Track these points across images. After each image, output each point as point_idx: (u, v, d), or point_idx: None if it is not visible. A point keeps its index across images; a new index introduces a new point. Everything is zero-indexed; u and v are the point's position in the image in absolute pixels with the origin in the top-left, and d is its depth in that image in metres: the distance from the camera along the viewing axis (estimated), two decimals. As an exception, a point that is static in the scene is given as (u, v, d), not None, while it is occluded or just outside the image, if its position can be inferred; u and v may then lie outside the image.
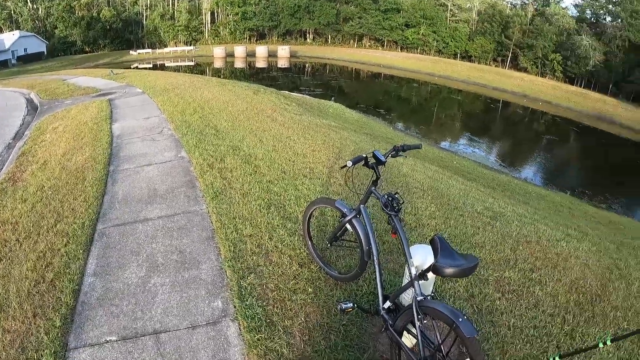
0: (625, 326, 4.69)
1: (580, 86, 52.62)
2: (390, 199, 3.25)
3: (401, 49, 58.81)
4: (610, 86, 51.34)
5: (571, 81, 53.74)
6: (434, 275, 3.11)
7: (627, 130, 40.44)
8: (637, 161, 30.20)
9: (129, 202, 6.08)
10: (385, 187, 6.90)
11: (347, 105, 21.42)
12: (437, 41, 56.67)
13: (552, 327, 4.38)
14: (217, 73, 40.29)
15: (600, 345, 1.34)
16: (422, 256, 3.33)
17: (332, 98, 23.15)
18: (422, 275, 2.90)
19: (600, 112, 43.25)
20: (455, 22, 57.80)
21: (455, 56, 57.81)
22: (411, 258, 3.04)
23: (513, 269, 5.09)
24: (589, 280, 5.33)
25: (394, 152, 3.62)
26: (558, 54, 52.77)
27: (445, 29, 56.64)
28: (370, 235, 3.53)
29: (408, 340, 3.22)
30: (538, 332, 4.28)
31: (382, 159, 3.49)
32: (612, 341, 1.37)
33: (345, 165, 3.52)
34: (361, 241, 3.61)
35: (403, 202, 3.40)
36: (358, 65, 47.87)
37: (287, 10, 58.43)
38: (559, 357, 2.90)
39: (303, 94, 24.15)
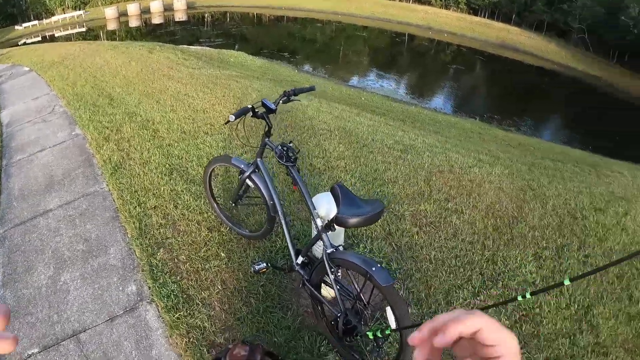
0: (544, 244, 4.78)
1: (484, 17, 54.01)
2: (284, 149, 3.10)
3: None
4: (514, 16, 53.13)
5: (475, 12, 54.68)
6: (344, 225, 2.95)
7: (531, 56, 42.80)
8: (540, 85, 32.14)
9: (27, 196, 5.50)
10: (290, 132, 6.58)
11: (250, 53, 20.79)
12: None
13: (472, 254, 4.36)
14: (111, 36, 37.09)
15: (520, 298, 0.96)
16: (326, 206, 3.20)
17: (236, 47, 22.09)
18: (329, 226, 2.73)
19: (504, 41, 45.09)
20: None
21: None
22: (315, 209, 2.95)
23: (428, 201, 5.01)
24: (505, 204, 5.39)
25: (285, 98, 3.39)
26: None
27: None
28: (271, 189, 3.37)
29: (327, 292, 3.12)
30: (460, 261, 4.25)
31: (272, 107, 3.27)
32: (532, 294, 0.98)
33: (228, 121, 3.18)
34: (264, 196, 3.45)
35: (299, 150, 3.23)
36: (260, 10, 46.01)
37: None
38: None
39: (203, 46, 23.08)
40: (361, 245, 4.23)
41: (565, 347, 3.55)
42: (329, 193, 2.87)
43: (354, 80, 21.02)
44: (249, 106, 3.26)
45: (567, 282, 0.96)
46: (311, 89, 3.58)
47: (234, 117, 3.12)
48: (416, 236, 4.47)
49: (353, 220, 2.47)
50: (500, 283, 4.10)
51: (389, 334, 2.55)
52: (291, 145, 3.13)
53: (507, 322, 3.71)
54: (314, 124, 7.14)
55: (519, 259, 4.46)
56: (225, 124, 3.31)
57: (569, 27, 48.77)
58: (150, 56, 12.69)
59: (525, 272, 4.33)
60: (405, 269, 4.03)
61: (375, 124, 8.23)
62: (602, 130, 23.41)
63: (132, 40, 23.69)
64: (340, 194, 2.61)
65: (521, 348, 3.52)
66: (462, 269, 4.14)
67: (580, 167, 8.90)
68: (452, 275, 4.06)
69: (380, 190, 5.15)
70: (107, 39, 32.54)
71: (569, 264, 4.70)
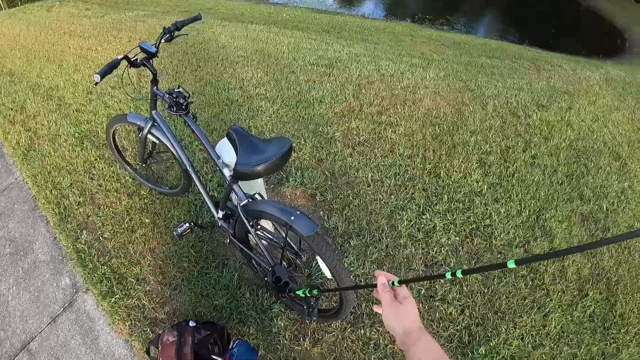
0: (488, 149, 4.54)
1: None
2: (173, 96, 2.76)
3: None
4: None
5: None
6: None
7: None
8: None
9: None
10: (204, 67, 5.93)
11: None
12: None
13: (413, 170, 4.06)
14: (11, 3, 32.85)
15: (449, 276, 0.73)
16: (231, 153, 2.76)
17: None
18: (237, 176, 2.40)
19: None
20: None
21: None
22: (219, 159, 2.62)
23: (359, 117, 4.62)
24: (443, 109, 5.09)
25: (167, 36, 2.87)
26: None
27: None
28: (173, 142, 2.98)
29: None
30: (400, 179, 3.94)
31: (152, 49, 2.76)
32: (463, 273, 0.97)
33: (96, 83, 2.61)
34: (170, 150, 3.10)
35: (189, 95, 2.82)
36: None
37: None
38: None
39: None
40: (290, 179, 3.83)
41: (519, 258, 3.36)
42: (232, 139, 2.46)
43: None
44: (119, 57, 2.70)
45: (511, 265, 0.84)
46: (196, 18, 3.10)
47: (99, 77, 2.56)
48: (350, 158, 4.10)
49: (255, 170, 2.22)
50: (446, 197, 3.84)
51: (319, 295, 2.40)
52: (180, 90, 2.79)
53: (457, 238, 3.49)
54: (228, 53, 6.51)
55: (463, 168, 4.21)
56: (95, 85, 2.74)
57: None
58: (49, 15, 11.53)
59: (471, 181, 4.10)
60: (342, 196, 3.70)
61: (297, 40, 7.64)
62: (537, 24, 23.73)
63: (31, 2, 21.13)
64: (238, 140, 2.37)
65: (475, 263, 3.36)
66: (403, 188, 3.85)
67: (519, 63, 8.75)
68: (392, 196, 3.76)
69: (306, 114, 4.71)
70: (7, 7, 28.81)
71: (516, 167, 4.52)
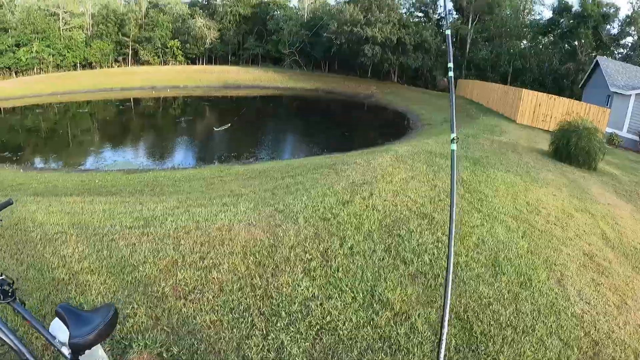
0: (309, 257, 4.98)
1: (203, 64, 58.98)
2: None
3: (16, 74, 51.83)
4: (230, 56, 60.16)
5: (193, 61, 59.50)
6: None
7: (252, 89, 47.63)
8: (267, 110, 34.95)
9: None
10: (23, 249, 5.59)
11: None
12: (53, 55, 52.43)
13: (246, 299, 4.31)
14: None
15: None
16: (65, 330, 2.67)
17: None
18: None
19: (226, 82, 49.34)
20: (70, 31, 54.29)
21: (75, 67, 54.99)
22: (55, 339, 2.54)
23: (184, 268, 4.82)
24: (259, 236, 5.53)
25: None
26: (177, 40, 57.33)
27: (60, 39, 52.98)
28: (8, 333, 2.67)
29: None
30: (236, 312, 4.15)
31: None
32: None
33: None
34: (6, 343, 2.76)
35: (14, 281, 2.72)
36: None
37: None
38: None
39: None
40: (134, 345, 3.81)
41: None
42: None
43: (89, 162, 19.60)
44: None
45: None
46: (8, 203, 3.09)
47: None
48: (184, 308, 4.24)
49: (90, 338, 2.33)
50: (284, 312, 4.13)
51: None
52: (3, 278, 2.66)
53: (307, 343, 3.75)
54: (46, 230, 6.28)
55: (290, 281, 4.58)
56: None
57: (281, 54, 55.95)
58: None
59: (302, 290, 4.46)
60: (187, 347, 3.77)
61: (112, 206, 7.68)
62: (332, 132, 26.82)
63: None
64: (67, 316, 2.43)
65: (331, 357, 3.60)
66: (242, 319, 4.06)
67: (320, 172, 9.78)
68: (235, 329, 3.94)
69: (132, 277, 4.77)
70: None
71: (338, 262, 5.03)
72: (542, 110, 24.78)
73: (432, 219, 6.80)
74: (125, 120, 33.01)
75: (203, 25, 55.91)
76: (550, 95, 25.59)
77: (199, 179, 11.93)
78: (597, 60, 32.75)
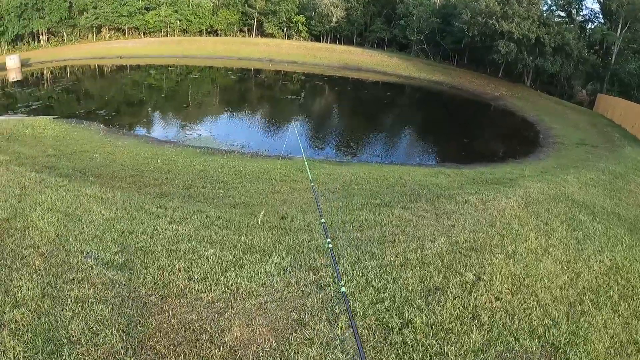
0: None
1: (327, 42, 56.57)
2: None
3: (144, 35, 54.55)
4: (355, 37, 57.18)
5: (317, 39, 57.22)
6: None
7: (373, 73, 44.19)
8: (384, 100, 32.14)
9: None
10: None
11: (67, 116, 18.11)
12: (180, 20, 54.27)
13: None
14: None
15: None
16: None
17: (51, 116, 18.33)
18: None
19: (346, 63, 46.31)
20: None
21: (200, 33, 56.33)
22: None
23: None
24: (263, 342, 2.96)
25: None
26: (302, 16, 55.48)
27: (188, 6, 54.65)
28: None
29: None
30: None
31: None
32: None
33: None
34: None
35: None
36: (100, 60, 41.55)
37: (13, 12, 47.95)
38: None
39: (17, 112, 19.24)
40: None
41: None
42: None
43: (175, 130, 18.27)
44: None
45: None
46: None
47: None
48: None
49: None
50: None
51: None
52: None
53: None
54: None
55: None
56: None
57: (408, 40, 52.11)
58: None
59: None
60: None
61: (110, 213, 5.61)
62: (453, 132, 23.25)
63: None
64: None
65: None
66: None
67: (412, 210, 6.90)
68: None
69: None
70: None
71: None
72: None
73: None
74: (229, 91, 31.88)
75: (330, 2, 53.31)
76: None
77: (266, 179, 9.62)
78: None
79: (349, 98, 32.16)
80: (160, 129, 19.14)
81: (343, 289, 3.18)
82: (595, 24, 47.49)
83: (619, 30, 42.89)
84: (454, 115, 31.15)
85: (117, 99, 25.53)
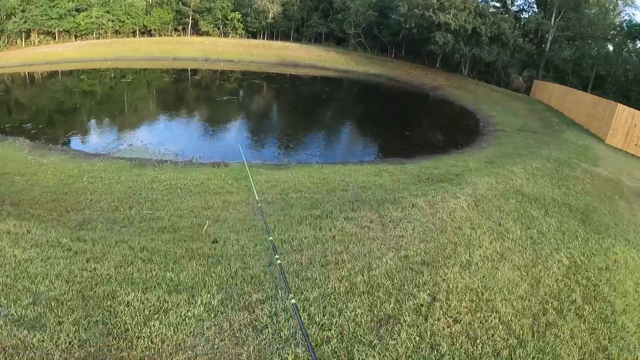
0: None
1: (264, 39, 55.19)
2: None
3: (75, 38, 51.60)
4: (292, 33, 56.13)
5: (254, 35, 55.65)
6: None
7: (311, 68, 43.83)
8: (323, 95, 31.59)
9: None
10: None
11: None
12: (112, 21, 51.57)
13: None
14: None
15: None
16: None
17: None
18: None
19: (283, 59, 45.66)
20: None
21: (134, 33, 53.87)
22: None
23: None
24: None
25: None
26: (237, 13, 53.75)
27: (120, 6, 52.03)
28: None
29: None
30: None
31: None
32: None
33: None
34: None
35: None
36: (29, 67, 38.51)
37: None
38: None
39: None
40: None
41: None
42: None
43: (107, 141, 16.82)
44: None
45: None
46: None
47: None
48: None
49: None
50: None
51: None
52: None
53: None
54: None
55: None
56: None
57: (345, 34, 51.84)
58: None
59: None
60: None
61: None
62: (393, 125, 22.92)
63: None
64: None
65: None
66: None
67: (355, 220, 6.36)
68: None
69: None
70: None
71: None
72: (636, 132, 20.18)
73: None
74: (164, 94, 30.20)
75: (266, -1, 52.52)
76: (653, 115, 20.84)
77: (199, 193, 8.77)
78: None
79: (286, 95, 31.38)
80: (90, 140, 17.73)
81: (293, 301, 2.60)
82: (530, 13, 49.08)
83: (553, 18, 44.47)
84: (393, 107, 30.93)
85: (46, 109, 23.62)
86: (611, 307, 4.96)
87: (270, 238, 4.36)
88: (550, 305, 4.64)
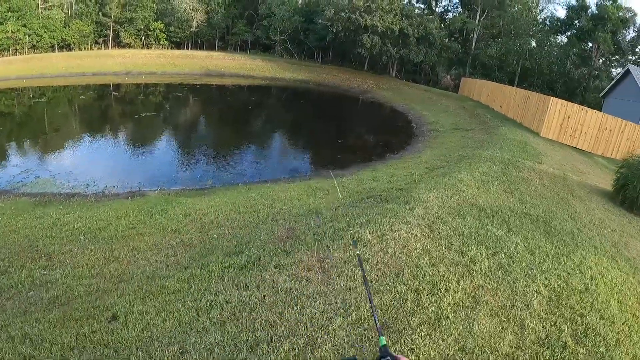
0: None
1: (188, 49, 53.70)
2: None
3: None
4: (217, 42, 54.78)
5: (178, 46, 53.88)
6: None
7: (237, 77, 42.53)
8: (249, 105, 30.29)
9: None
10: None
11: None
12: (29, 36, 47.40)
13: None
14: None
15: None
16: None
17: None
18: None
19: (208, 69, 44.20)
20: (48, 10, 49.13)
21: (52, 48, 50.01)
22: None
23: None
24: None
25: None
26: (160, 22, 51.61)
27: (37, 19, 47.93)
28: None
29: None
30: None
31: None
32: None
33: None
34: None
35: None
36: None
37: None
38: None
39: None
40: None
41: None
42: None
43: (12, 173, 14.78)
44: None
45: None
46: None
47: None
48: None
49: None
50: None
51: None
52: None
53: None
54: None
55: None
56: None
57: (272, 41, 50.88)
58: None
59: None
60: None
61: None
62: (324, 132, 21.96)
63: None
64: None
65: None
66: None
67: (292, 261, 5.18)
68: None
69: None
70: None
71: None
72: (570, 123, 20.44)
73: None
74: (80, 113, 27.63)
75: (189, 6, 50.40)
76: (581, 106, 21.14)
77: (105, 239, 7.23)
78: (628, 69, 28.31)
79: (212, 107, 29.75)
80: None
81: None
82: (455, 13, 50.49)
83: (477, 17, 45.63)
84: (323, 113, 30.13)
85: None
86: (604, 341, 4.09)
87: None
88: (542, 357, 3.70)
